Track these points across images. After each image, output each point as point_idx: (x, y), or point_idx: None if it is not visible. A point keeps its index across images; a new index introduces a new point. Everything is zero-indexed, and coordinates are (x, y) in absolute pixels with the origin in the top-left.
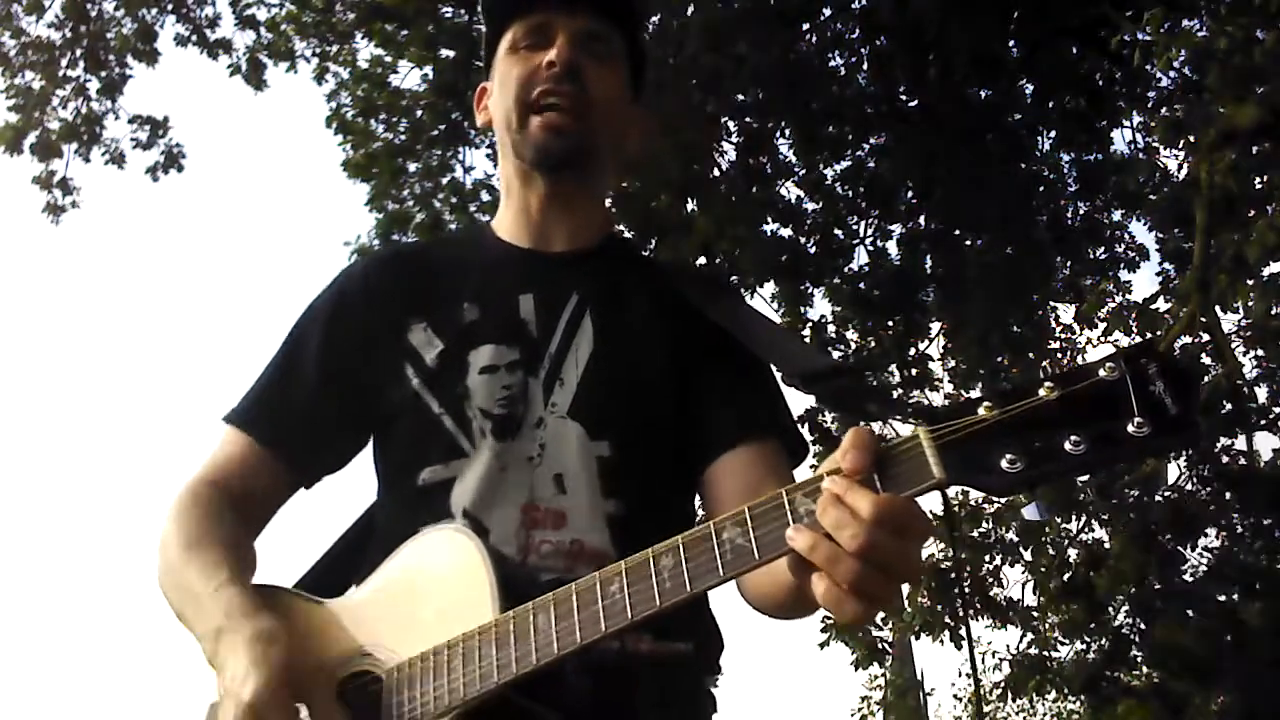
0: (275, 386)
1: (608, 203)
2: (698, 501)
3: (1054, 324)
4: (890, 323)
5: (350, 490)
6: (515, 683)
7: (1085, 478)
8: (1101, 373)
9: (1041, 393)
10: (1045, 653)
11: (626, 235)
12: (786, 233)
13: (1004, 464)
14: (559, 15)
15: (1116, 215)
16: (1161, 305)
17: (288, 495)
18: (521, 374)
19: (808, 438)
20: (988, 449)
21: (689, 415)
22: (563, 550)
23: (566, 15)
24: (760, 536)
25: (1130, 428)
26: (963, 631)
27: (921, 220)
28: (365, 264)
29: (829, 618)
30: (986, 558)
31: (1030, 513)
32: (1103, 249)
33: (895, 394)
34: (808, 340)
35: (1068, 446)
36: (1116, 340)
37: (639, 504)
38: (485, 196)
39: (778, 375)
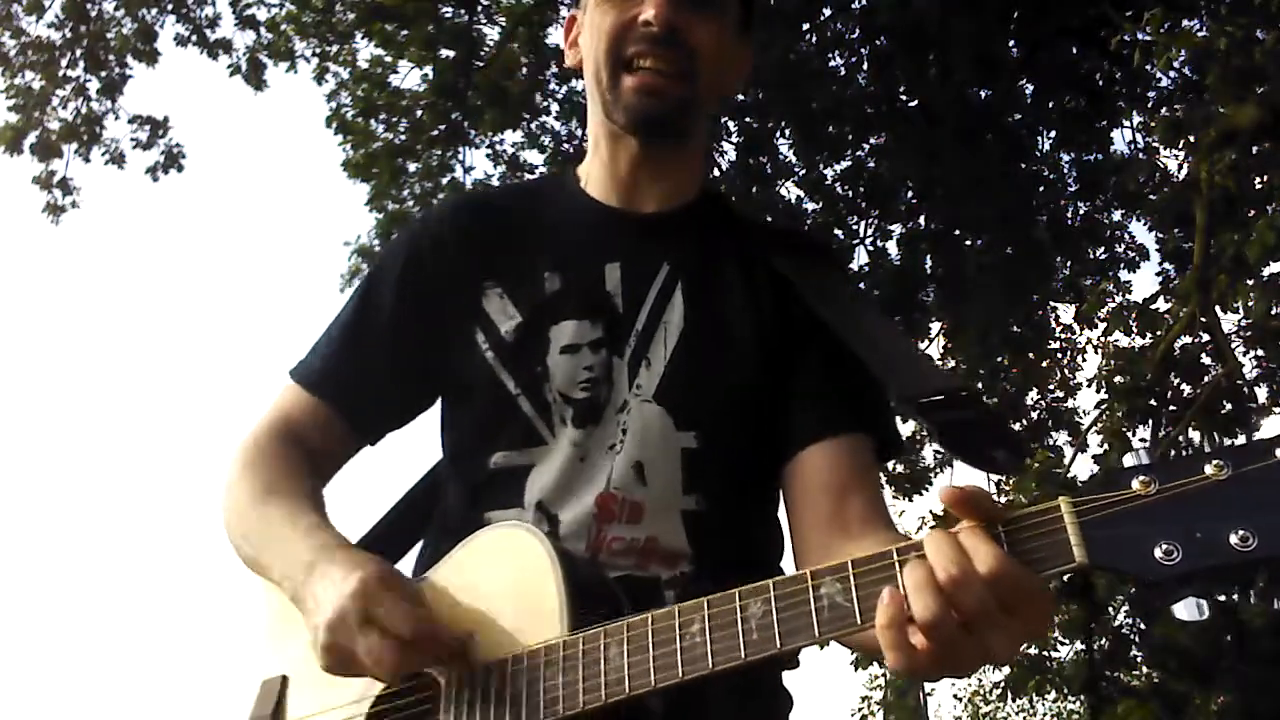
0: (344, 345)
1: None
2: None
3: (1054, 324)
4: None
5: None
6: (579, 717)
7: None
8: (1278, 453)
9: (1209, 470)
10: (1045, 653)
11: (715, 190)
12: None
13: (1158, 553)
14: None
15: (1116, 215)
16: (1161, 305)
17: (352, 453)
18: (605, 353)
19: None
20: (1140, 532)
21: (776, 403)
22: (636, 548)
23: None
24: (863, 596)
25: None
26: None
27: (921, 220)
28: (440, 214)
29: None
30: None
31: (1183, 611)
32: (1103, 249)
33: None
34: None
35: (1234, 540)
36: (1116, 340)
37: (720, 502)
38: None
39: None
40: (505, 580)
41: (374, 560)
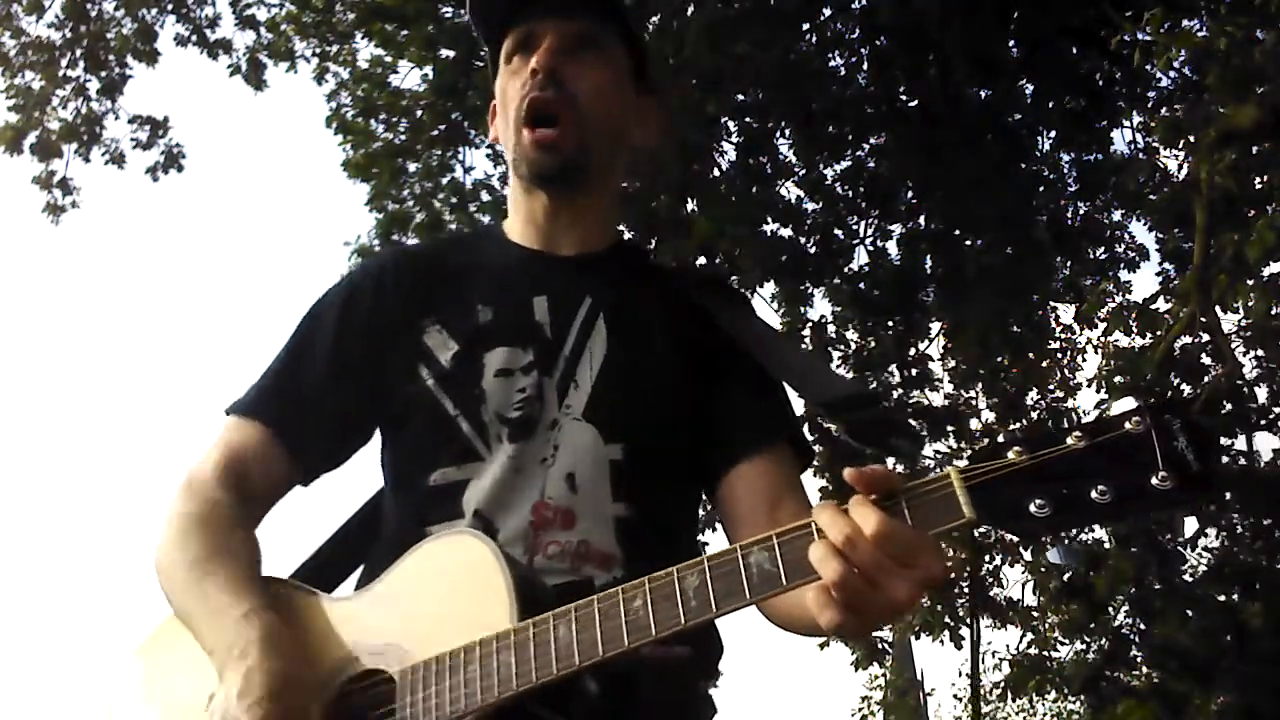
0: (284, 378)
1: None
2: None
3: (1054, 324)
4: (890, 323)
5: (340, 486)
6: (531, 691)
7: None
8: (1127, 425)
9: (1069, 441)
10: (1045, 653)
11: (632, 240)
12: (786, 233)
13: (1032, 508)
14: (543, 22)
15: (1116, 215)
16: (1161, 305)
17: (286, 490)
18: (536, 375)
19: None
20: (1017, 493)
21: (702, 422)
22: (569, 551)
23: (551, 20)
24: (788, 561)
25: (1154, 480)
26: (963, 631)
27: (921, 220)
28: (378, 262)
29: None
30: (986, 558)
31: (1054, 556)
32: (1103, 249)
33: (896, 394)
34: (809, 344)
35: (1094, 495)
36: (1116, 340)
37: (647, 508)
38: (485, 196)
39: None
40: (455, 582)
41: (267, 664)
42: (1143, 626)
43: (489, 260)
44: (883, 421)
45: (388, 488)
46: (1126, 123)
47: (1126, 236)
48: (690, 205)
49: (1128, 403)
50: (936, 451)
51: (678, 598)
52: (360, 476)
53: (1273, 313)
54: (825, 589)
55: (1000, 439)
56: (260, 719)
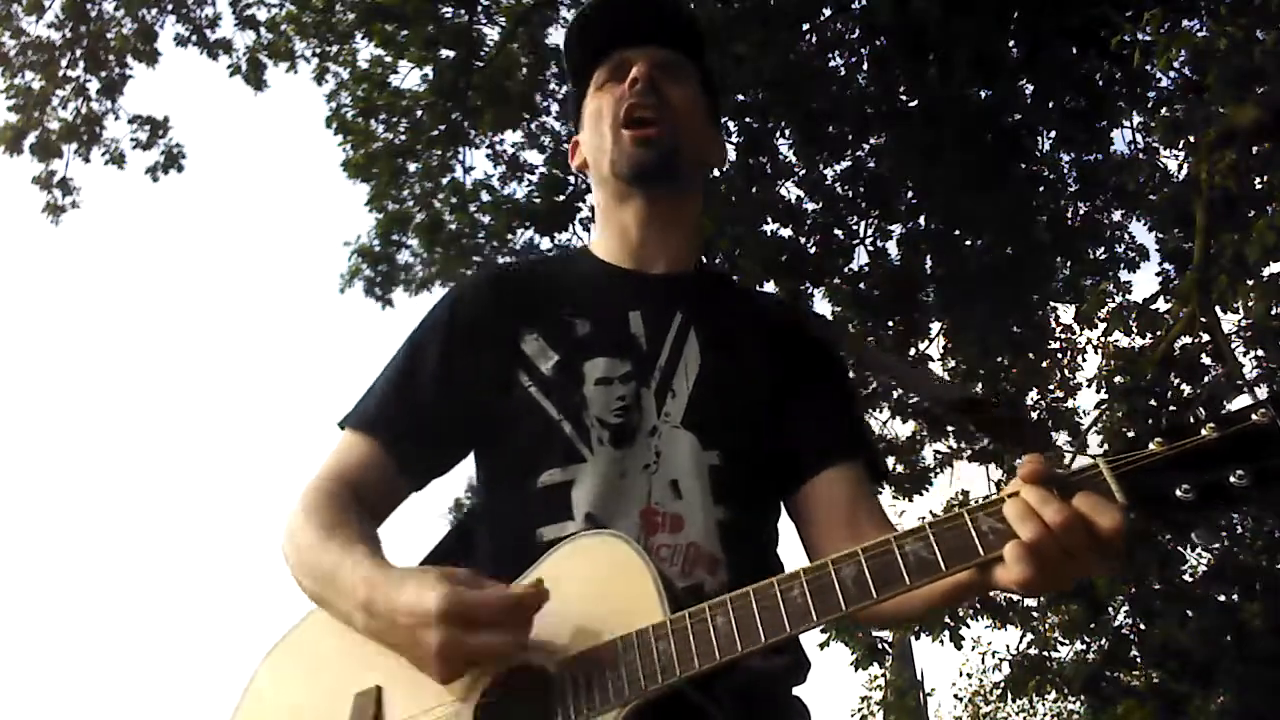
0: (394, 393)
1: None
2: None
3: (1054, 324)
4: (890, 323)
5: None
6: (693, 677)
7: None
8: (1254, 417)
9: (1204, 432)
10: (1045, 653)
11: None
12: (786, 233)
13: (1179, 493)
14: (633, 50)
15: (1116, 215)
16: (1161, 305)
17: (403, 498)
18: (634, 385)
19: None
20: (1161, 481)
21: (785, 432)
22: (679, 553)
23: (640, 49)
24: (945, 551)
25: None
26: (963, 631)
27: (921, 220)
28: (475, 280)
29: None
30: None
31: (1199, 537)
32: (1103, 249)
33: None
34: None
35: (1233, 480)
36: (1116, 340)
37: (744, 511)
38: (485, 196)
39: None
40: (602, 579)
41: (434, 570)
42: (1143, 626)
43: (582, 277)
44: (1009, 421)
45: (489, 492)
46: (1126, 123)
47: (1126, 236)
48: None
49: (1245, 399)
50: (937, 452)
51: (836, 587)
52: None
53: (1273, 313)
54: (1016, 547)
55: (1132, 434)
56: (442, 600)
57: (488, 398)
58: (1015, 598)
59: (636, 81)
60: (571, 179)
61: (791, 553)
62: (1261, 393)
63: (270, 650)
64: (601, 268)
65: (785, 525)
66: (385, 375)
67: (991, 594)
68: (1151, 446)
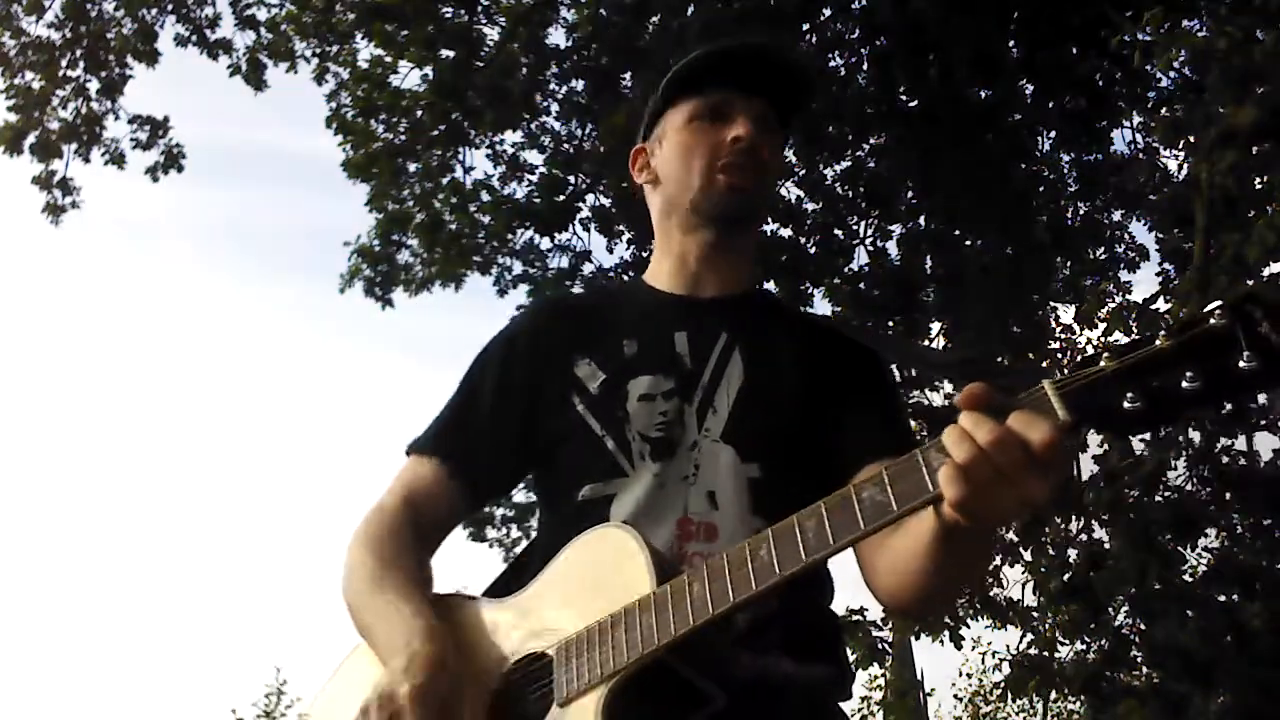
0: (457, 419)
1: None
2: None
3: (1054, 324)
4: (890, 323)
5: None
6: (675, 649)
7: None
8: (1211, 321)
9: (1157, 342)
10: (1045, 653)
11: (764, 288)
12: (786, 233)
13: (1125, 404)
14: (739, 96)
15: (1116, 215)
16: (1161, 305)
17: (462, 517)
18: (677, 401)
19: None
20: (1109, 394)
21: (830, 435)
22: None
23: (745, 98)
24: (898, 492)
25: (1241, 364)
26: (963, 631)
27: (921, 220)
28: (534, 311)
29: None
30: None
31: (1152, 448)
32: (1103, 249)
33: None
34: None
35: (1184, 385)
36: (1116, 340)
37: (781, 519)
38: (485, 196)
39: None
40: (601, 564)
41: (424, 664)
42: (1143, 626)
43: (635, 305)
44: (988, 370)
45: (541, 508)
46: (1126, 123)
47: (1126, 236)
48: None
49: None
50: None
51: (798, 539)
52: None
53: None
54: (954, 469)
55: (1091, 351)
56: (413, 692)
57: (543, 421)
58: (1015, 597)
59: (739, 140)
60: (571, 179)
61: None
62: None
63: (347, 654)
64: (654, 296)
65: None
66: (449, 403)
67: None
68: (1101, 364)
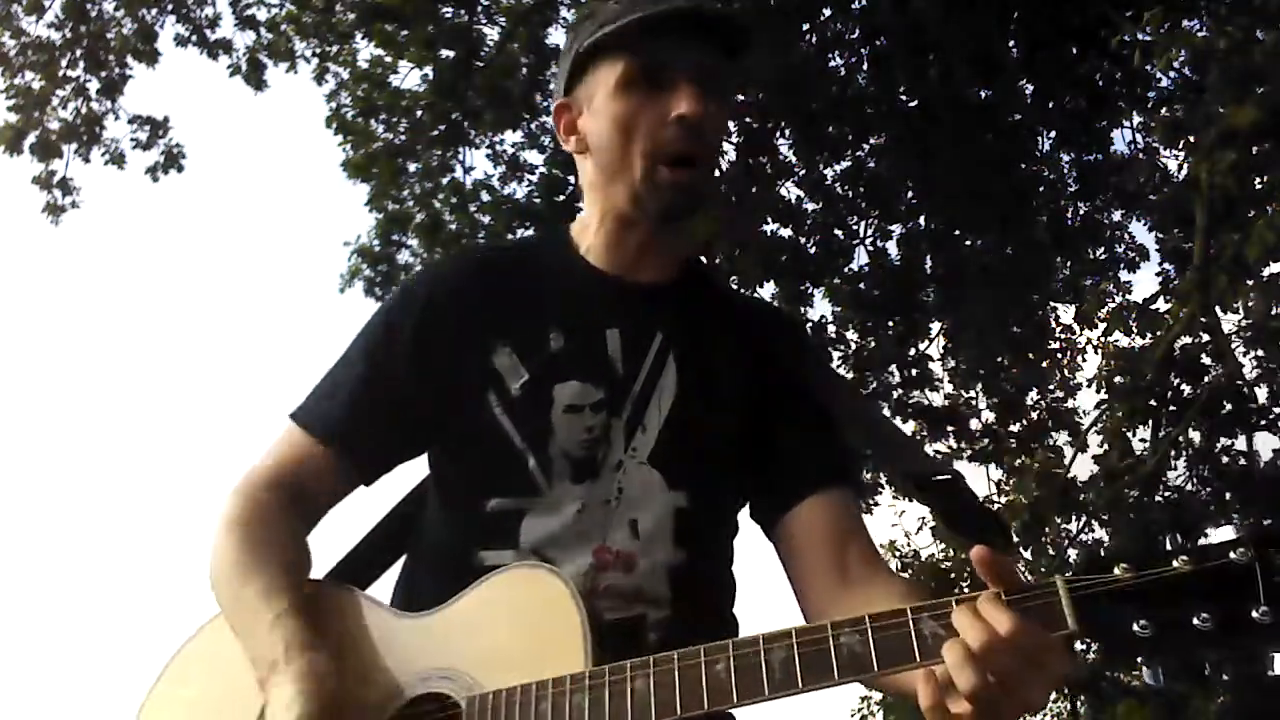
0: (354, 394)
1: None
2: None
3: (1054, 324)
4: (890, 323)
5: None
6: None
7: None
8: (1232, 555)
9: (1176, 564)
10: None
11: (699, 264)
12: (786, 233)
13: (1135, 628)
14: (679, 57)
15: (1116, 215)
16: (1161, 305)
17: (343, 495)
18: (605, 415)
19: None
20: (1120, 609)
21: (762, 463)
22: (625, 593)
23: (685, 58)
24: (880, 645)
25: (1255, 614)
26: None
27: (921, 220)
28: (449, 272)
29: None
30: None
31: (1149, 677)
32: (1103, 249)
33: (896, 394)
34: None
35: (1196, 622)
36: (1116, 340)
37: (702, 555)
38: (485, 196)
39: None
40: (529, 616)
41: (322, 681)
42: None
43: (562, 282)
44: (973, 511)
45: (438, 504)
46: (1126, 123)
47: (1126, 236)
48: None
49: (1227, 532)
50: (937, 452)
51: (763, 670)
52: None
53: (1273, 313)
54: (942, 706)
55: (1103, 552)
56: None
57: (452, 411)
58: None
59: (684, 119)
60: (571, 179)
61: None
62: (1243, 531)
63: (188, 640)
64: (586, 273)
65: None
66: (344, 368)
67: None
68: (1117, 571)
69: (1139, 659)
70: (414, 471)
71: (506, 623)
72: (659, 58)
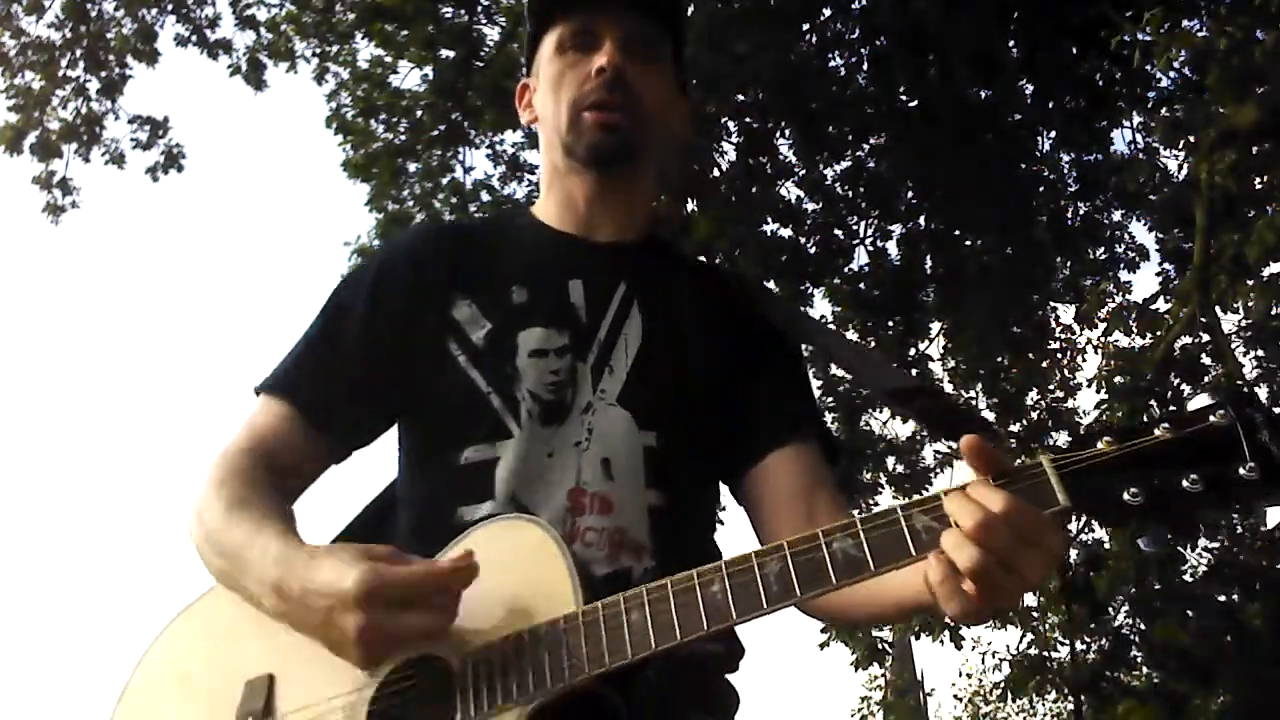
0: (316, 355)
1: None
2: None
3: (1054, 324)
4: (890, 323)
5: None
6: (603, 675)
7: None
8: (1212, 418)
9: (1158, 432)
10: (1045, 653)
11: (661, 234)
12: (786, 233)
13: (1126, 496)
14: (605, 16)
15: (1116, 215)
16: (1161, 305)
17: (322, 469)
18: (570, 359)
19: None
20: (1109, 482)
21: (734, 412)
22: (606, 536)
23: (613, 16)
24: (874, 545)
25: (1242, 470)
26: (963, 631)
27: (921, 220)
28: (409, 238)
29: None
30: None
31: (1146, 543)
32: (1103, 249)
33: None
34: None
35: (1185, 485)
36: (1116, 340)
37: (678, 496)
38: (485, 196)
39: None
40: (513, 566)
41: (351, 547)
42: (1143, 626)
43: (522, 241)
44: (955, 411)
45: (410, 466)
46: (1126, 123)
47: (1126, 236)
48: (690, 205)
49: (1204, 399)
50: (936, 452)
51: (759, 584)
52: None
53: (1273, 313)
54: (952, 578)
55: (1084, 430)
56: (362, 580)
57: (413, 365)
58: None
59: (604, 71)
60: None
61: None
62: (1220, 394)
63: (175, 616)
64: (544, 233)
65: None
66: (304, 337)
67: None
68: (1100, 445)
69: (1131, 526)
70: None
71: (491, 577)
72: (587, 24)
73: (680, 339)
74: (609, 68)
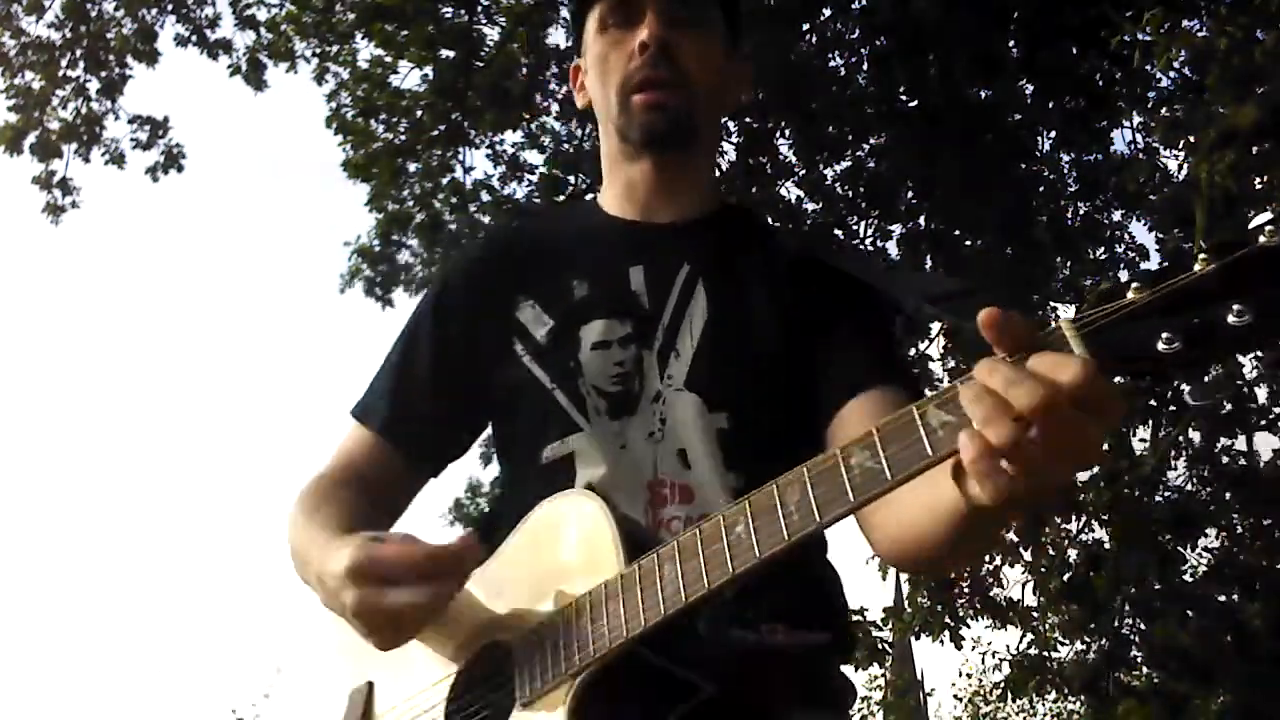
0: (393, 381)
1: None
2: None
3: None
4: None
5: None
6: (647, 638)
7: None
8: (1261, 238)
9: (1196, 266)
10: (1045, 653)
11: (738, 204)
12: None
13: (1160, 346)
14: None
15: (1116, 215)
16: None
17: (416, 486)
18: (635, 348)
19: None
20: (1139, 332)
21: (811, 367)
22: (693, 523)
23: None
24: (891, 456)
25: None
26: (963, 631)
27: (921, 220)
28: (467, 250)
29: None
30: (986, 558)
31: (1191, 396)
32: (1103, 249)
33: None
34: None
35: (1230, 319)
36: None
37: (761, 476)
38: (485, 196)
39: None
40: (567, 540)
41: (365, 533)
42: (1143, 626)
43: (582, 233)
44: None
45: (505, 469)
46: (1126, 123)
47: (1126, 236)
48: None
49: (1264, 215)
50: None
51: (779, 514)
52: None
53: None
54: (989, 459)
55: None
56: (349, 559)
57: (486, 374)
58: (1015, 597)
59: (646, 47)
60: (571, 179)
61: None
62: (1275, 210)
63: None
64: (604, 221)
65: None
66: (386, 358)
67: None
68: (1130, 296)
69: (1172, 379)
70: None
71: (548, 556)
72: None
73: (747, 313)
74: (652, 42)
